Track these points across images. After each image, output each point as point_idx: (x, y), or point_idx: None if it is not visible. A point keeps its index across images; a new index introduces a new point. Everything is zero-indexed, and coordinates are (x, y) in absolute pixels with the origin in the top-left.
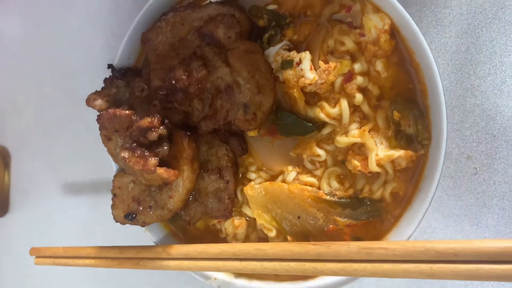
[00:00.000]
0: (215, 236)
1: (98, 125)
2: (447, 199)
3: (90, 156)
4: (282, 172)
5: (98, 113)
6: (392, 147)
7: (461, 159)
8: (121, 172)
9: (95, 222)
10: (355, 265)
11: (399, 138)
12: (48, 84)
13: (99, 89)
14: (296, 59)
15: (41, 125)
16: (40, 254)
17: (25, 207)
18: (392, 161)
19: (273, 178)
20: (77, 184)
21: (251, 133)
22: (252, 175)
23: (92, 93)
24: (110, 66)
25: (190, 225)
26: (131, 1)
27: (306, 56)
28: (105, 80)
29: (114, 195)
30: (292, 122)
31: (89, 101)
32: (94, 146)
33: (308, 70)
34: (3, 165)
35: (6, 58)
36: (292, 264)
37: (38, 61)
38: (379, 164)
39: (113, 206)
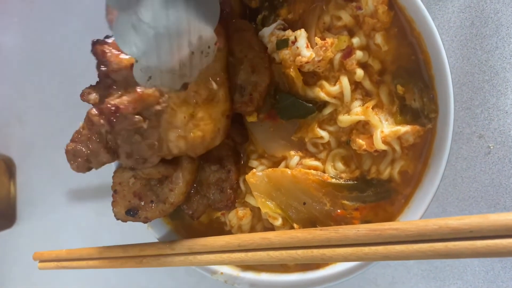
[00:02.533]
0: (220, 230)
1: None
2: (462, 181)
3: None
4: (284, 158)
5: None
6: (397, 123)
7: (473, 138)
8: (121, 168)
9: (102, 228)
10: (366, 249)
11: (404, 113)
12: (49, 92)
13: None
14: (292, 38)
15: (44, 134)
16: (44, 258)
17: (32, 216)
18: (399, 138)
19: (275, 164)
20: (82, 191)
21: (250, 118)
22: (254, 163)
23: (86, 88)
24: (97, 51)
25: (194, 219)
26: None
27: (301, 34)
28: (100, 74)
29: (115, 191)
30: (291, 104)
31: (84, 96)
32: None
33: (304, 48)
34: (9, 175)
35: (7, 69)
36: (299, 251)
37: (39, 71)
38: (385, 142)
39: (113, 203)
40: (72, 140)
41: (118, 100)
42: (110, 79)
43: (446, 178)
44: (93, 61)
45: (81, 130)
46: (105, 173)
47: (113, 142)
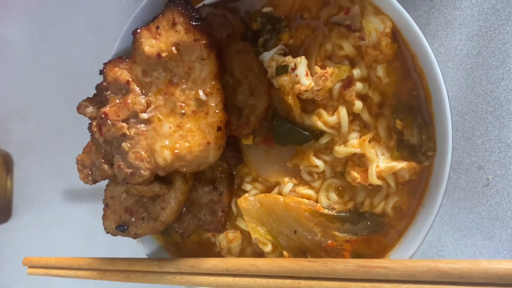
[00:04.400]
0: (210, 250)
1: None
2: (458, 211)
3: None
4: (278, 183)
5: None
6: (394, 158)
7: (472, 169)
8: (113, 182)
9: (97, 229)
10: (353, 285)
11: (401, 148)
12: (52, 90)
13: None
14: (291, 65)
15: (44, 132)
16: (33, 264)
17: (28, 213)
18: (394, 173)
19: (269, 189)
20: (79, 191)
21: (246, 141)
22: (247, 186)
23: (83, 100)
24: (101, 72)
25: (184, 238)
26: (133, 7)
27: (301, 62)
28: (97, 87)
29: (106, 205)
30: (288, 130)
31: (80, 109)
32: None
33: (303, 76)
34: (6, 170)
35: (11, 64)
36: (287, 281)
37: (43, 68)
38: (380, 177)
39: (104, 217)
40: (83, 152)
41: (107, 108)
42: (107, 91)
43: (442, 206)
44: (97, 62)
45: (90, 142)
46: None
47: (110, 153)
